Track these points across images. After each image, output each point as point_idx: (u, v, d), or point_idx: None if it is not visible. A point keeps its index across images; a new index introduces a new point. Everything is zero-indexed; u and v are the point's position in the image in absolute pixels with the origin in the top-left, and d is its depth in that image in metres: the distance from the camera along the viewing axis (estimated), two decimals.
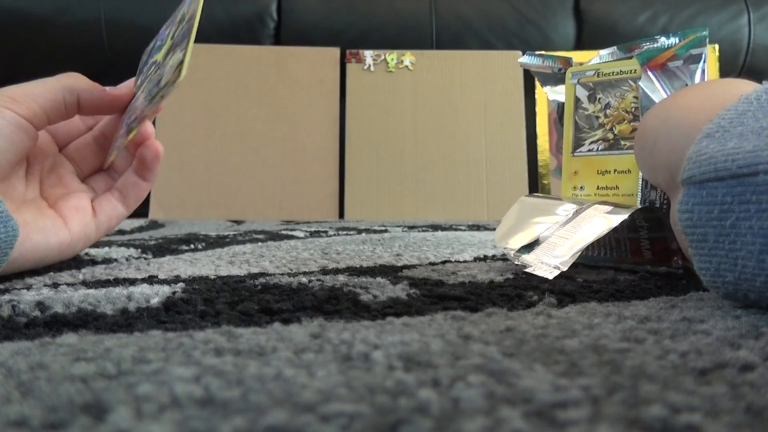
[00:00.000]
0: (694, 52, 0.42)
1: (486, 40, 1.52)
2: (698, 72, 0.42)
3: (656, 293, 0.32)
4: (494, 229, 0.86)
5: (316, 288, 0.31)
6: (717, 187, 0.24)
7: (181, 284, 0.32)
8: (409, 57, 1.45)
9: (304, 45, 1.47)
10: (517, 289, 0.32)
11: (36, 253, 0.36)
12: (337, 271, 0.40)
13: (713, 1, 1.54)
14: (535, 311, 0.26)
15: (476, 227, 0.95)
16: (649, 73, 0.42)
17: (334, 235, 0.75)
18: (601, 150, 0.43)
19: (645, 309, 0.26)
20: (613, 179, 0.42)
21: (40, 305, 0.26)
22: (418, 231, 0.83)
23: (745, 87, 0.30)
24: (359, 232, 0.81)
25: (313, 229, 0.84)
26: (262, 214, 1.36)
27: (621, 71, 0.44)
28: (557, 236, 0.37)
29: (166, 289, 0.30)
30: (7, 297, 0.28)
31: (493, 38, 1.52)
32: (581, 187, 0.43)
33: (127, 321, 0.24)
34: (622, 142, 0.43)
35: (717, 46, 1.47)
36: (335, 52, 1.45)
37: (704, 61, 0.42)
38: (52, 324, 0.23)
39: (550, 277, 0.34)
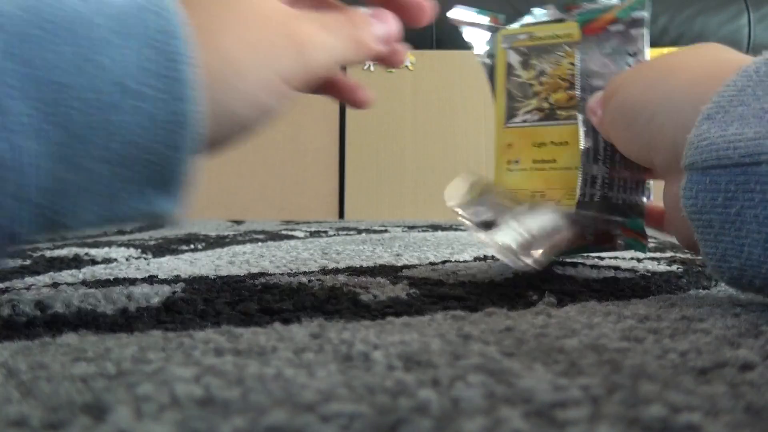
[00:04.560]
0: (635, 15, 0.38)
1: None
2: (641, 38, 0.38)
3: (656, 292, 0.32)
4: None
5: (316, 288, 0.31)
6: (720, 175, 0.24)
7: (181, 284, 0.32)
8: (409, 57, 1.45)
9: None
10: (517, 288, 0.32)
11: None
12: (337, 271, 0.40)
13: (713, 1, 1.54)
14: (534, 311, 0.26)
15: None
16: (589, 37, 0.38)
17: (334, 235, 0.75)
18: (537, 121, 0.40)
19: (644, 308, 0.26)
20: (550, 152, 0.39)
21: (40, 305, 0.26)
22: (418, 231, 0.83)
23: (738, 55, 0.29)
24: (359, 232, 0.81)
25: (313, 229, 0.84)
26: (262, 214, 1.36)
27: (556, 35, 0.40)
28: (514, 220, 0.34)
29: (166, 289, 0.30)
30: (7, 296, 0.28)
31: None
32: (516, 161, 0.39)
33: (127, 321, 0.24)
34: (559, 112, 0.39)
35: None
36: None
37: (647, 27, 0.38)
38: (52, 324, 0.23)
39: (514, 267, 0.31)
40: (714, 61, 0.30)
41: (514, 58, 0.40)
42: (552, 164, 0.38)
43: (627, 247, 0.38)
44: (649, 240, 0.39)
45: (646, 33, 0.38)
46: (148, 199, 0.25)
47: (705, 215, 0.25)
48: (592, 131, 0.36)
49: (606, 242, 0.38)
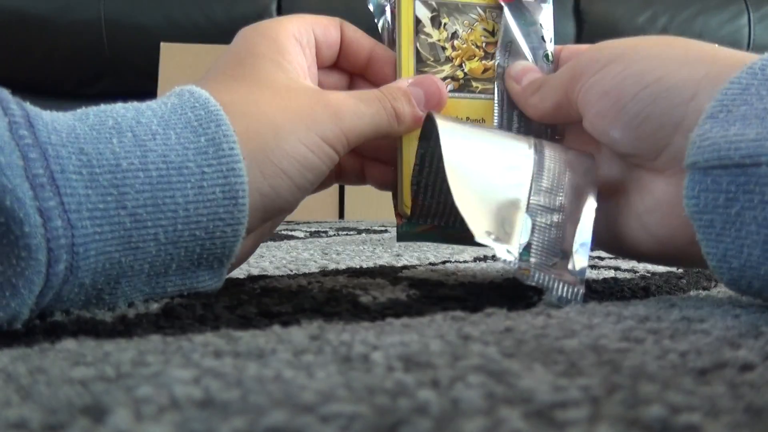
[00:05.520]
0: None
1: None
2: (546, 13, 0.36)
3: (656, 292, 0.32)
4: None
5: (315, 290, 0.31)
6: (721, 176, 0.24)
7: None
8: None
9: None
10: (517, 289, 0.32)
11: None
12: (336, 272, 0.40)
13: (713, 1, 1.54)
14: (534, 311, 0.26)
15: None
16: (507, 4, 0.35)
17: (334, 235, 0.75)
18: (451, 91, 0.34)
19: (644, 308, 0.26)
20: None
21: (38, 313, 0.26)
22: None
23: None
24: (359, 232, 0.81)
25: (313, 229, 0.84)
26: None
27: None
28: (542, 208, 0.29)
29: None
30: None
31: None
32: None
33: (126, 327, 0.24)
34: (474, 84, 0.34)
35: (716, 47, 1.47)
36: None
37: (551, 2, 0.36)
38: (51, 331, 0.23)
39: (580, 299, 0.28)
40: (718, 50, 0.29)
41: (423, 12, 0.34)
42: None
43: None
44: None
45: (551, 6, 0.36)
46: (194, 276, 0.27)
47: (706, 215, 0.24)
48: (507, 105, 0.34)
49: None
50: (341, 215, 1.38)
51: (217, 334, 0.22)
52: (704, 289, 0.34)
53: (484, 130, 0.32)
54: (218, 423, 0.13)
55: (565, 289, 0.28)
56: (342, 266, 0.43)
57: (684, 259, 0.31)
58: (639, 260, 0.35)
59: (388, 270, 0.41)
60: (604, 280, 0.36)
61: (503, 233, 0.28)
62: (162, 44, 1.43)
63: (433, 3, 0.34)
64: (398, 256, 0.50)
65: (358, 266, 0.43)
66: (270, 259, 0.46)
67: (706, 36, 1.50)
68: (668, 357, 0.18)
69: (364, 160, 0.36)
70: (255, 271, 0.40)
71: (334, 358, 0.18)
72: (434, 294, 0.30)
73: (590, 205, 0.30)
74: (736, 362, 0.17)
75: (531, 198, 0.29)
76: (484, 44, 0.34)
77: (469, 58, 0.34)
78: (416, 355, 0.18)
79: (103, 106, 0.25)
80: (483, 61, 0.34)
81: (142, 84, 1.47)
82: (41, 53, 1.51)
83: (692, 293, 0.32)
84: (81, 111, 0.25)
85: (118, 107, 0.25)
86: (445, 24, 0.34)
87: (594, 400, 0.14)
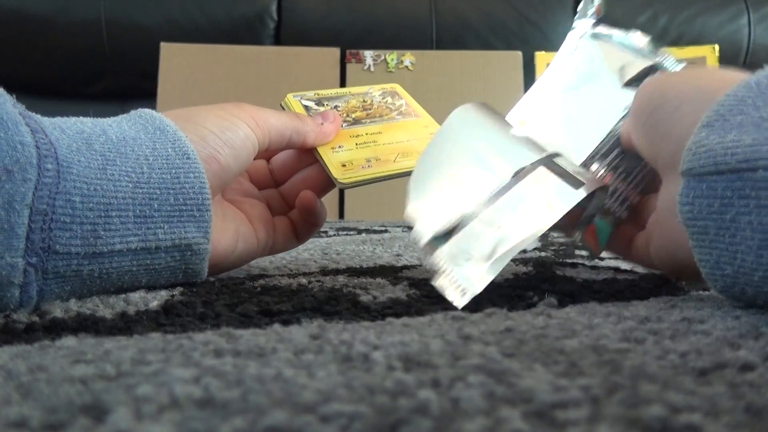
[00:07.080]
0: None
1: (486, 40, 1.52)
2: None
3: (656, 293, 0.32)
4: None
5: (315, 289, 0.31)
6: (717, 181, 0.24)
7: (179, 287, 0.32)
8: (409, 57, 1.45)
9: (304, 45, 1.47)
10: (517, 289, 0.32)
11: (237, 262, 0.36)
12: (336, 272, 0.40)
13: (713, 1, 1.54)
14: (535, 311, 0.26)
15: None
16: None
17: (334, 235, 0.75)
18: (347, 126, 0.43)
19: (645, 309, 0.26)
20: (369, 137, 0.43)
21: (38, 310, 0.26)
22: None
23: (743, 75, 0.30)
24: (359, 232, 0.81)
25: None
26: None
27: (338, 93, 0.47)
28: (482, 220, 0.30)
29: (164, 293, 0.30)
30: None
31: (493, 38, 1.52)
32: (340, 146, 0.41)
33: (127, 324, 0.24)
34: (362, 120, 0.44)
35: (717, 47, 1.47)
36: (335, 52, 1.45)
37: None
38: (51, 328, 0.23)
39: (459, 304, 0.28)
40: (727, 73, 0.30)
41: (308, 102, 0.46)
42: (374, 143, 0.42)
43: (579, 245, 0.39)
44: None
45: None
46: (181, 226, 0.30)
47: (701, 221, 0.25)
48: (616, 140, 0.38)
49: (566, 230, 0.39)
50: (341, 215, 1.38)
51: (218, 332, 0.22)
52: (705, 290, 0.34)
53: (494, 142, 0.35)
54: (218, 422, 0.13)
55: (451, 287, 0.29)
56: (342, 266, 0.43)
57: (682, 271, 0.32)
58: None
59: (388, 270, 0.41)
60: (604, 280, 0.36)
61: (431, 217, 0.32)
62: (162, 44, 1.43)
63: (314, 99, 0.46)
64: (398, 256, 0.50)
65: (358, 266, 0.43)
66: (270, 259, 0.46)
67: (706, 36, 1.51)
68: (668, 357, 0.18)
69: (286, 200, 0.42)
70: (255, 271, 0.40)
71: (335, 358, 0.18)
72: (434, 293, 0.30)
73: (538, 227, 0.29)
74: (736, 363, 0.17)
75: (475, 208, 0.31)
76: (360, 105, 0.46)
77: (353, 112, 0.45)
78: (416, 354, 0.18)
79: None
80: (364, 111, 0.46)
81: (142, 84, 1.47)
82: (41, 53, 1.51)
83: (693, 294, 0.32)
84: None
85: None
86: (326, 104, 0.45)
87: (594, 400, 0.14)
